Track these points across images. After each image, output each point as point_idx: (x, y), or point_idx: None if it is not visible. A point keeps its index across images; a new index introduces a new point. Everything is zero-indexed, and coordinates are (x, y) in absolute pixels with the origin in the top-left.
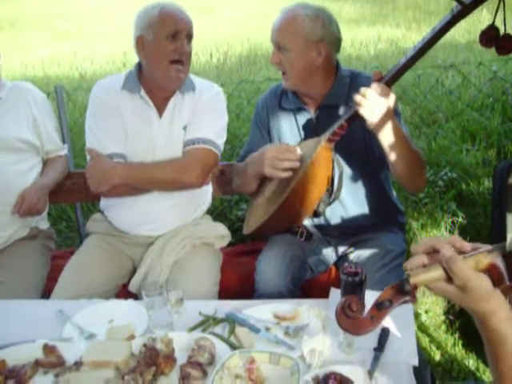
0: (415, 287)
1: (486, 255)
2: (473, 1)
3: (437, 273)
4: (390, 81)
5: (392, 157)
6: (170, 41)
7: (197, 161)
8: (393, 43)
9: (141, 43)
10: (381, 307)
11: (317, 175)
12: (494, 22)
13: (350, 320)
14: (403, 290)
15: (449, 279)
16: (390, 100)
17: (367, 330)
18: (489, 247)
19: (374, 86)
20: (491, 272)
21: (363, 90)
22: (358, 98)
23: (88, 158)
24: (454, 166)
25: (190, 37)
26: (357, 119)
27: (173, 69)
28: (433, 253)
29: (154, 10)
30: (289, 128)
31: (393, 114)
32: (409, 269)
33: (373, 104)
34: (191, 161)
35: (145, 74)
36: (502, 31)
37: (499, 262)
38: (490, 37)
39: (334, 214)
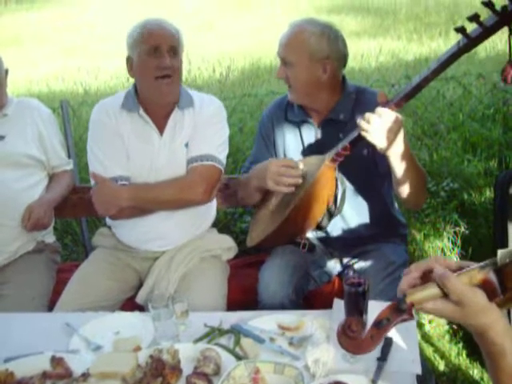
0: (412, 305)
1: (479, 271)
2: (479, 34)
3: (432, 290)
4: (396, 105)
5: (400, 177)
6: (152, 57)
7: (201, 178)
8: (394, 55)
9: (130, 63)
10: (380, 326)
11: (320, 194)
12: (510, 57)
13: (350, 340)
14: (400, 309)
15: (444, 296)
16: (396, 123)
17: (368, 350)
18: (480, 263)
19: (379, 110)
20: (485, 287)
21: (368, 115)
22: (362, 124)
23: (92, 182)
24: (455, 177)
25: (174, 50)
26: (360, 142)
27: (160, 84)
28: (424, 276)
29: (136, 28)
30: (293, 140)
31: (401, 136)
32: (404, 289)
33: (378, 129)
34: (196, 178)
35: (140, 93)
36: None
37: (492, 277)
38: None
39: (335, 227)
